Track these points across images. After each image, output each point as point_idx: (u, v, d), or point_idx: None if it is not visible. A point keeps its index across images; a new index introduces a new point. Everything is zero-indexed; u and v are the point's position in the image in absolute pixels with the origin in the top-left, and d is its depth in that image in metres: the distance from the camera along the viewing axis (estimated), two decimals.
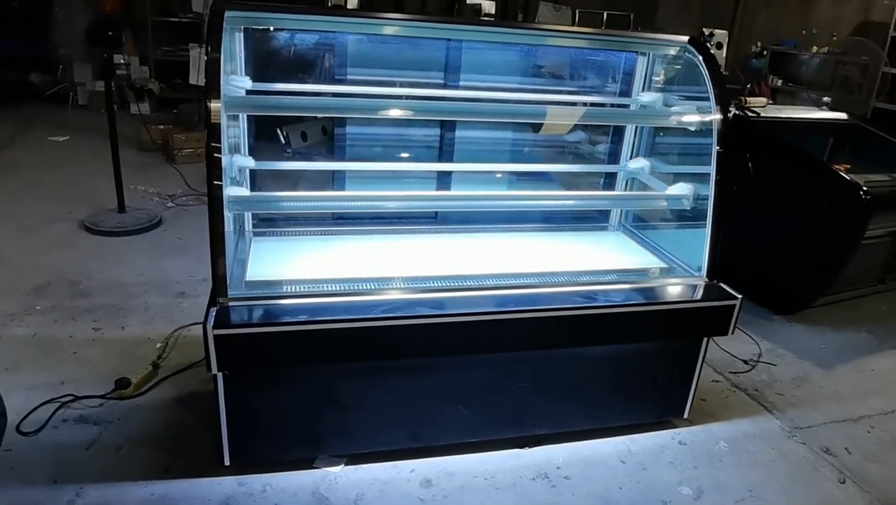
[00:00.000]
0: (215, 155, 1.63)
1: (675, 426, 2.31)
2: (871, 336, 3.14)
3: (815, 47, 6.53)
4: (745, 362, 2.77)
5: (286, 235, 2.26)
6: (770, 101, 4.00)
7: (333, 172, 2.28)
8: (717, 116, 2.03)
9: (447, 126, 2.27)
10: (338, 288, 1.83)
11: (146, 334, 2.62)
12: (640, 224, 2.54)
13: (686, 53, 2.14)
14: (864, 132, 3.76)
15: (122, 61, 5.82)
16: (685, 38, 2.14)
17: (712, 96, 2.05)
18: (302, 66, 2.16)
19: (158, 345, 2.54)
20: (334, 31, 2.04)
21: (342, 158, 2.25)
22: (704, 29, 4.48)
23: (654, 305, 1.96)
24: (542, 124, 2.34)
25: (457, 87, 2.23)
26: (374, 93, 2.11)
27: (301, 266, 2.00)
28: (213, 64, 1.65)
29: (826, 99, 3.92)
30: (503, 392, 2.06)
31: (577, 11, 6.13)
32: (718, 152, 2.02)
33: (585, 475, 2.05)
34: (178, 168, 4.81)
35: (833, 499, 2.06)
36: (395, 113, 1.90)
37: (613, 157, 2.49)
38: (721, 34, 4.46)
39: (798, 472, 2.16)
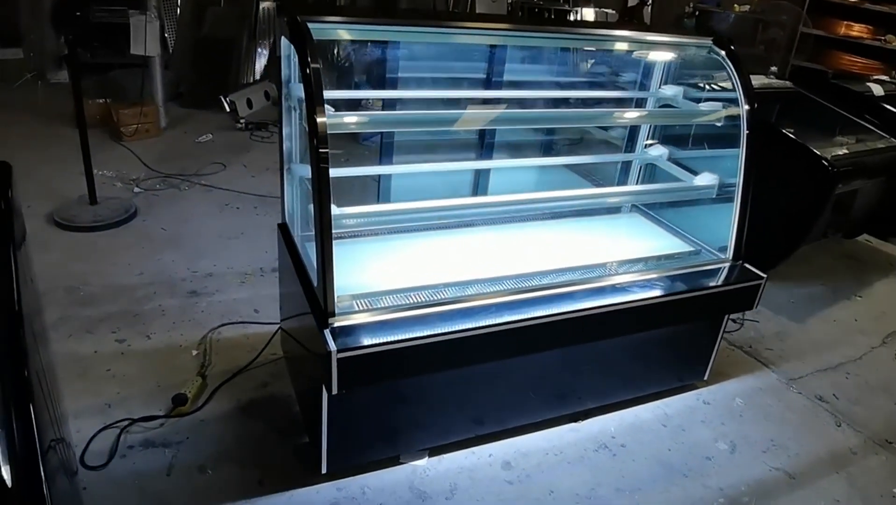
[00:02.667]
0: (325, 176, 1.61)
1: (697, 387, 2.58)
2: (826, 288, 3.57)
3: (736, 6, 6.96)
4: (734, 322, 3.09)
5: (338, 239, 2.25)
6: None
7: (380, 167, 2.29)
8: (745, 108, 2.22)
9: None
10: (423, 296, 1.88)
11: (176, 342, 2.55)
12: (651, 204, 2.74)
13: (710, 53, 2.30)
14: (805, 99, 4.14)
15: None
16: (709, 40, 2.30)
17: (740, 88, 2.22)
18: (357, 71, 2.13)
19: (195, 353, 2.49)
20: (407, 42, 2.02)
21: (389, 156, 2.26)
22: None
23: (693, 293, 2.14)
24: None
25: (499, 85, 2.28)
26: (430, 96, 2.12)
27: (373, 273, 2.02)
28: (316, 84, 1.61)
29: (773, 68, 4.25)
30: (559, 375, 2.23)
31: (512, 3, 6.16)
32: (748, 136, 2.21)
33: (638, 441, 2.27)
34: (128, 146, 4.51)
35: (836, 441, 2.41)
36: (464, 122, 1.94)
37: (630, 142, 2.65)
38: None
39: (803, 420, 2.50)
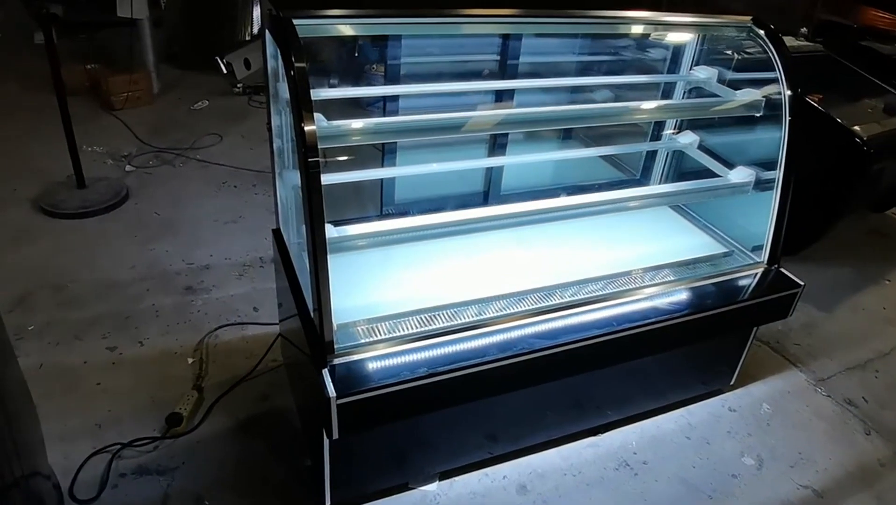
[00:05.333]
0: (317, 197, 1.43)
1: (722, 392, 2.44)
2: (853, 271, 3.38)
3: None
4: None
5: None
6: None
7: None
8: (787, 92, 1.99)
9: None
10: (435, 319, 1.72)
11: (170, 348, 2.41)
12: None
13: (749, 34, 2.05)
14: (835, 64, 3.84)
15: None
16: (748, 19, 2.05)
17: (781, 71, 1.99)
18: (357, 67, 1.90)
19: (191, 360, 2.35)
20: (410, 35, 1.79)
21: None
22: None
23: (724, 308, 1.97)
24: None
25: (513, 75, 2.05)
26: (437, 90, 1.90)
27: (377, 289, 1.86)
28: (302, 90, 1.40)
29: (804, 29, 3.94)
30: (577, 389, 2.09)
31: None
32: (790, 123, 1.99)
33: (660, 457, 2.15)
34: (119, 116, 4.29)
35: (865, 452, 2.28)
36: (477, 125, 1.73)
37: (657, 126, 2.43)
38: None
39: (832, 428, 2.37)
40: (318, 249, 1.49)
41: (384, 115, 1.98)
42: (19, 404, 1.60)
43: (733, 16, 2.07)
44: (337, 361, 1.55)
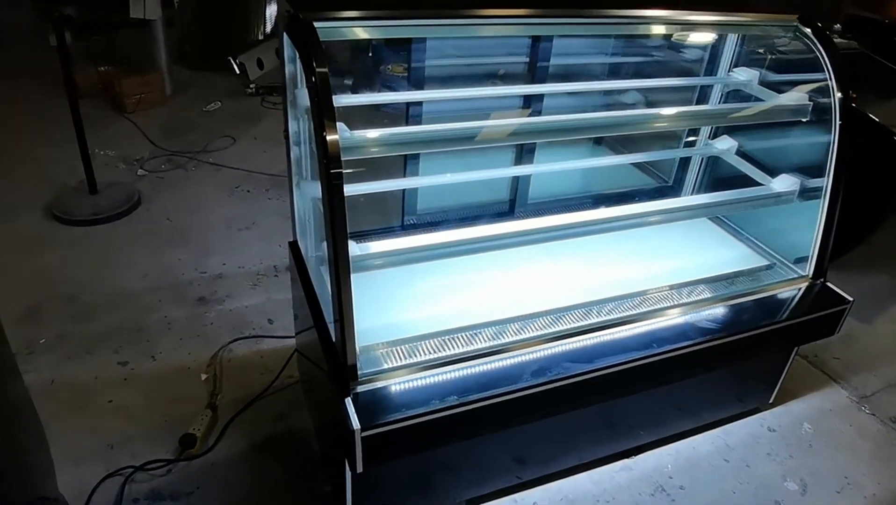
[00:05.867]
0: (339, 217, 1.33)
1: (760, 410, 2.32)
2: (891, 279, 3.23)
3: None
4: None
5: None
6: None
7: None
8: (838, 95, 1.86)
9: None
10: (463, 340, 1.62)
11: (183, 363, 2.33)
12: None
13: (795, 34, 1.92)
14: (871, 62, 3.69)
15: None
16: (794, 18, 1.92)
17: (831, 73, 1.86)
18: (372, 67, 1.79)
19: (204, 376, 2.26)
20: (436, 37, 1.68)
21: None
22: None
23: (765, 328, 1.85)
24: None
25: (542, 77, 1.94)
26: (462, 96, 1.79)
27: (402, 308, 1.75)
28: (324, 98, 1.30)
29: (837, 26, 3.78)
30: (610, 411, 1.97)
31: None
32: (841, 127, 1.86)
33: (697, 482, 2.03)
34: (132, 119, 4.22)
35: None
36: (505, 135, 1.62)
37: (690, 134, 2.31)
38: None
39: (877, 448, 2.24)
40: (342, 269, 1.39)
41: (407, 123, 1.88)
42: (23, 426, 1.52)
43: (776, 14, 1.94)
44: (360, 388, 1.45)
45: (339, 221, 1.37)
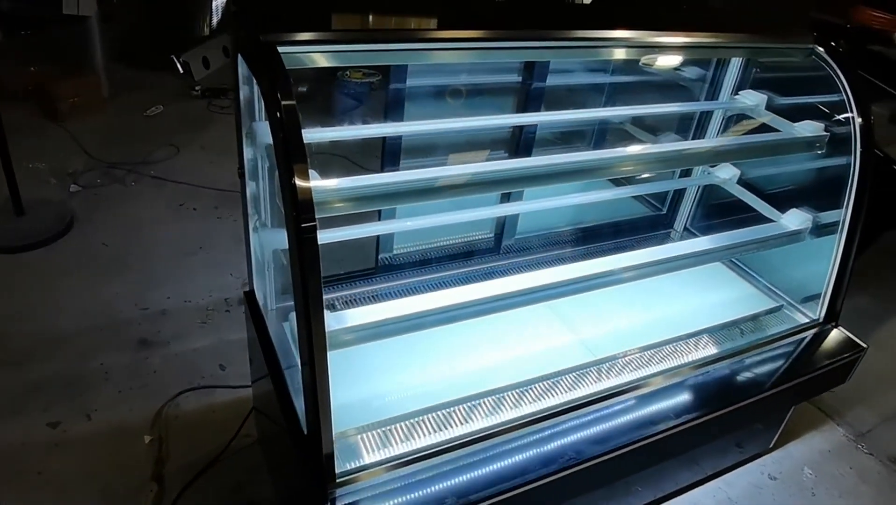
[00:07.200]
0: (315, 281, 1.09)
1: (760, 455, 2.18)
2: (874, 300, 3.15)
3: None
4: None
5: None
6: None
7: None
8: (858, 120, 1.71)
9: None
10: (456, 421, 1.40)
11: (123, 422, 2.03)
12: (705, 225, 2.24)
13: (811, 56, 1.76)
14: None
15: None
16: (810, 39, 1.75)
17: (850, 97, 1.71)
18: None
19: (148, 439, 1.98)
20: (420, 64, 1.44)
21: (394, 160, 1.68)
22: None
23: (781, 386, 1.69)
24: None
25: (535, 101, 1.72)
26: (438, 128, 1.55)
27: (371, 382, 1.50)
28: (293, 137, 1.06)
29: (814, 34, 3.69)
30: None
31: None
32: (862, 155, 1.71)
33: None
34: (65, 126, 3.82)
35: None
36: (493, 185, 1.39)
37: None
38: None
39: (879, 494, 2.12)
40: (317, 349, 1.15)
41: (383, 156, 1.64)
42: None
43: (791, 35, 1.78)
44: (340, 493, 1.21)
45: (312, 289, 1.13)
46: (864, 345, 1.83)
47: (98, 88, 4.15)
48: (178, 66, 4.64)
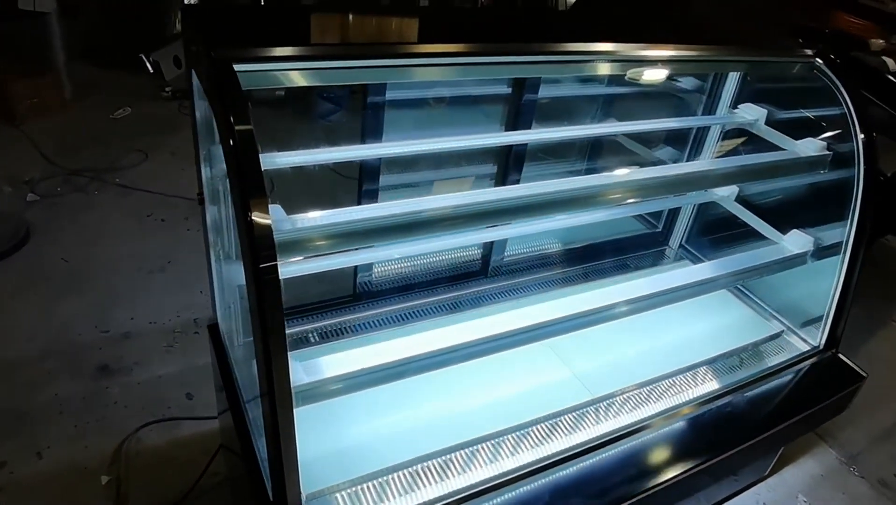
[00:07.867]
0: (278, 331, 0.96)
1: (755, 483, 2.09)
2: (856, 310, 3.07)
3: None
4: None
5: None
6: None
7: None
8: (861, 136, 1.62)
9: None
10: (454, 469, 1.29)
11: (78, 460, 1.88)
12: (701, 242, 2.15)
13: (813, 71, 1.66)
14: None
15: None
16: (811, 53, 1.66)
17: (852, 112, 1.62)
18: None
19: (105, 479, 1.83)
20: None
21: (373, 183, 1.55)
22: None
23: (782, 425, 1.60)
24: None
25: (525, 120, 1.61)
26: (414, 151, 1.42)
27: (344, 432, 1.37)
28: (250, 167, 0.93)
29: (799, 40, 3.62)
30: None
31: None
32: (865, 172, 1.62)
33: None
34: (22, 129, 3.61)
35: None
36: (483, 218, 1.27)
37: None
38: None
39: None
40: (280, 406, 1.02)
41: (360, 179, 1.51)
42: None
43: (792, 48, 1.68)
44: None
45: (274, 342, 1.00)
46: (865, 374, 1.74)
47: (58, 88, 3.94)
48: (148, 65, 4.46)
